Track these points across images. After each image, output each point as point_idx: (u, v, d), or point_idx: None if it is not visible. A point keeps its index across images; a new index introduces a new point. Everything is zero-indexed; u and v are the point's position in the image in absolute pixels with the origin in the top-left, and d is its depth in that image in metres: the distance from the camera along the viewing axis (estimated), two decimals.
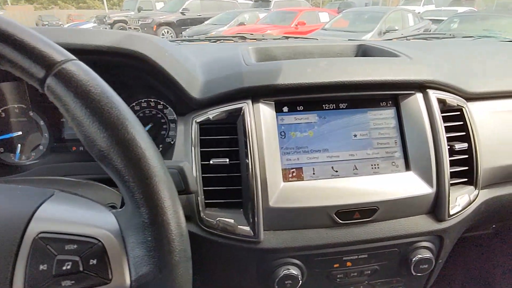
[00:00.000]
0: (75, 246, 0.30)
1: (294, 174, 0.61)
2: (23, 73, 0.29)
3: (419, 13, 8.33)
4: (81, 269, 0.29)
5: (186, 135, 0.62)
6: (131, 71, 0.67)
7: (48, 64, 0.29)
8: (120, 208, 0.41)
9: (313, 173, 0.61)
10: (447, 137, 0.63)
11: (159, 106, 0.81)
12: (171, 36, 9.45)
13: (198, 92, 0.61)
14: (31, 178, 0.47)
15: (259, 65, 0.64)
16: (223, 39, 1.22)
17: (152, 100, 0.81)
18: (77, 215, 0.33)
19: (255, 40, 1.20)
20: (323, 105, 0.63)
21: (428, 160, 0.62)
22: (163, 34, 9.75)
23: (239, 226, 0.58)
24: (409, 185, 0.62)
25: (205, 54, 0.80)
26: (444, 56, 0.86)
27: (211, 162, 0.59)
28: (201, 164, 0.60)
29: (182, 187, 0.43)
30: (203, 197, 0.60)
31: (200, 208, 0.59)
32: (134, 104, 0.80)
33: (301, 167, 0.61)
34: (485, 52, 0.98)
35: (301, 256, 0.61)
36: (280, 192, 0.59)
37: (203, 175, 0.60)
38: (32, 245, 0.29)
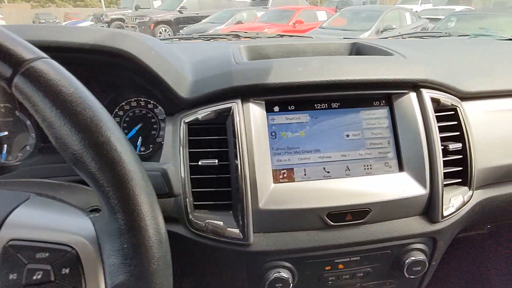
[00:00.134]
0: (47, 254, 0.28)
1: (285, 175, 0.60)
2: None
3: (416, 11, 8.33)
4: (52, 278, 0.28)
5: (175, 136, 0.61)
6: (119, 70, 0.66)
7: (16, 62, 0.27)
8: None
9: (305, 174, 0.60)
10: (441, 137, 0.62)
11: (149, 106, 0.80)
12: (169, 34, 9.41)
13: (186, 92, 0.60)
14: (10, 181, 0.45)
15: (249, 63, 0.63)
16: (217, 38, 1.20)
17: (142, 99, 0.79)
18: (51, 220, 0.31)
19: (249, 39, 1.18)
20: (315, 105, 0.62)
21: (422, 161, 0.61)
22: (160, 33, 9.71)
23: (228, 229, 0.57)
24: (402, 186, 0.60)
25: (197, 52, 0.79)
26: (439, 55, 0.85)
27: (199, 163, 0.58)
28: (190, 165, 0.59)
29: (166, 190, 0.42)
30: (191, 199, 0.58)
31: (189, 210, 0.58)
32: (123, 103, 0.79)
33: (292, 168, 0.60)
34: (480, 51, 0.97)
35: (292, 259, 0.59)
36: (270, 193, 0.57)
37: (191, 176, 0.58)
38: (2, 253, 0.28)
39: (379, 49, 0.75)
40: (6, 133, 0.69)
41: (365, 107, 0.63)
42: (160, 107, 0.71)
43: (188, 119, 0.60)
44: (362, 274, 0.64)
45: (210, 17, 9.01)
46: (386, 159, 0.62)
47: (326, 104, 0.62)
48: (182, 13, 10.35)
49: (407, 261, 0.62)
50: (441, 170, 0.60)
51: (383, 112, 0.64)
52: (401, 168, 0.62)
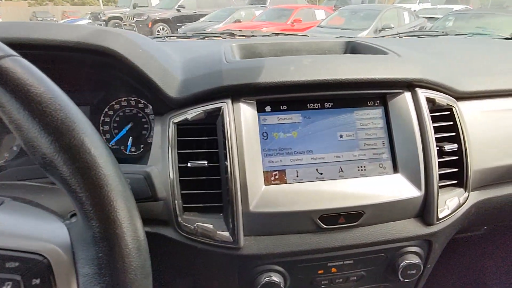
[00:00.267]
0: (17, 263, 0.27)
1: (276, 177, 0.58)
2: None
3: (414, 11, 8.33)
4: None
5: (163, 136, 0.59)
6: (107, 69, 0.64)
7: None
8: None
9: (297, 176, 0.59)
10: (436, 138, 0.60)
11: (140, 105, 0.78)
12: (167, 32, 9.37)
13: (175, 91, 0.58)
14: None
15: (240, 62, 0.61)
16: (212, 36, 1.18)
17: (133, 98, 0.78)
18: (23, 227, 0.29)
19: (244, 37, 1.16)
20: (308, 105, 0.61)
21: (417, 162, 0.59)
22: (158, 31, 9.67)
23: (218, 232, 0.55)
24: (396, 188, 0.59)
25: (188, 51, 0.77)
26: (435, 54, 0.84)
27: (188, 164, 0.56)
28: (179, 166, 0.57)
29: (149, 194, 0.40)
30: (180, 201, 0.57)
31: (178, 213, 0.57)
32: (113, 102, 0.77)
33: (284, 170, 0.59)
34: (477, 50, 0.96)
35: (284, 263, 0.58)
36: (261, 196, 0.56)
37: (180, 178, 0.57)
38: None
39: (373, 48, 0.73)
40: None
41: (359, 107, 0.62)
42: (151, 107, 0.70)
43: (177, 119, 0.58)
44: (355, 277, 0.63)
45: (208, 15, 8.98)
46: (380, 160, 0.61)
47: (319, 104, 0.61)
48: (180, 11, 10.31)
49: (401, 264, 0.61)
50: (436, 171, 0.59)
51: (377, 112, 0.62)
52: (395, 170, 0.61)
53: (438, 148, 0.61)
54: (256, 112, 0.59)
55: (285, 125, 0.60)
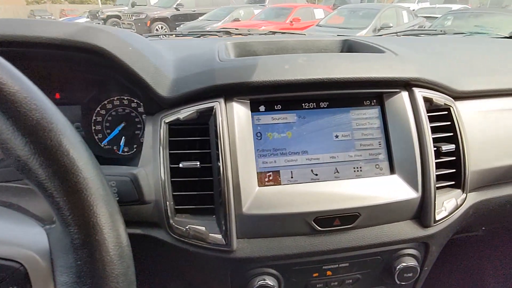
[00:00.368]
0: None
1: (270, 178, 0.57)
2: None
3: (413, 10, 8.32)
4: None
5: (155, 136, 0.58)
6: (98, 67, 0.62)
7: None
8: None
9: (291, 177, 0.58)
10: (433, 138, 0.59)
11: (133, 104, 0.77)
12: (165, 31, 9.33)
13: (166, 90, 0.57)
14: None
15: (233, 61, 0.60)
16: (207, 34, 1.17)
17: (126, 98, 0.76)
18: (0, 232, 0.28)
19: (240, 36, 1.15)
20: (303, 104, 0.59)
21: (414, 163, 0.58)
22: (157, 30, 9.63)
23: (210, 234, 0.54)
24: (393, 189, 0.58)
25: (182, 50, 0.75)
26: (432, 52, 0.83)
27: (180, 165, 0.55)
28: (170, 167, 0.56)
29: (136, 197, 0.39)
30: (172, 202, 0.56)
31: (169, 215, 0.55)
32: (105, 102, 0.76)
33: (278, 171, 0.57)
34: (475, 49, 0.95)
35: (278, 266, 0.57)
36: (255, 197, 0.55)
37: (172, 179, 0.56)
38: None
39: (370, 47, 0.72)
40: None
41: (355, 106, 0.60)
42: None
43: (168, 119, 0.57)
44: (351, 280, 0.62)
45: (207, 14, 8.96)
46: (376, 161, 0.60)
47: (314, 104, 0.59)
48: (178, 10, 10.29)
49: (398, 267, 0.60)
50: (433, 172, 0.58)
51: (373, 112, 0.61)
52: (392, 171, 0.59)
53: (435, 148, 0.59)
54: (250, 112, 0.57)
55: (280, 125, 0.58)
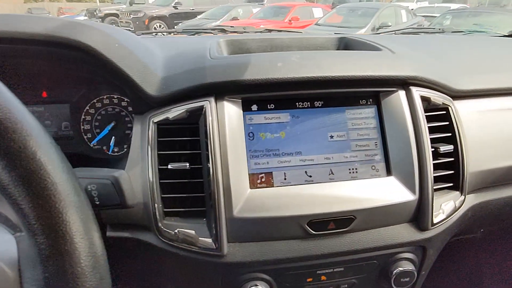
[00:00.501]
0: None
1: (263, 179, 0.55)
2: None
3: (412, 9, 8.31)
4: None
5: (143, 136, 0.56)
6: (85, 64, 0.60)
7: None
8: None
9: (285, 179, 0.56)
10: (431, 139, 0.58)
11: (123, 103, 0.75)
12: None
13: (155, 89, 0.55)
14: None
15: (224, 58, 0.58)
16: (202, 32, 1.15)
17: (116, 96, 0.74)
18: None
19: (235, 33, 1.13)
20: (297, 103, 0.57)
21: (411, 164, 0.57)
22: (155, 28, 9.59)
23: (200, 238, 0.52)
24: (389, 191, 0.56)
25: (174, 47, 0.73)
26: (430, 51, 0.81)
27: (169, 166, 0.53)
28: (159, 168, 0.54)
29: (118, 201, 0.37)
30: (161, 205, 0.54)
31: (158, 218, 0.53)
32: (95, 100, 0.74)
33: (271, 172, 0.55)
34: (474, 48, 0.93)
35: (270, 271, 0.55)
36: (246, 200, 0.53)
37: (161, 181, 0.54)
38: None
39: (367, 44, 0.70)
40: None
41: (351, 106, 0.59)
42: None
43: (157, 119, 0.55)
44: (346, 285, 0.60)
45: (205, 13, 8.93)
46: (373, 162, 0.58)
47: (308, 103, 0.58)
48: (177, 8, 10.24)
49: (394, 271, 0.58)
50: (431, 174, 0.56)
51: (370, 111, 0.59)
52: (388, 172, 0.58)
53: (433, 149, 0.58)
54: (242, 111, 0.55)
55: (273, 125, 0.57)
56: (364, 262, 0.58)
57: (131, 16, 9.91)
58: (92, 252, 0.26)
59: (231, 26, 1.17)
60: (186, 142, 0.55)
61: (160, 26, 9.78)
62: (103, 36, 0.51)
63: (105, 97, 0.73)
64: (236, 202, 0.52)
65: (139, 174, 0.55)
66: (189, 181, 0.54)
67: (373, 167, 0.58)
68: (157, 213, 0.53)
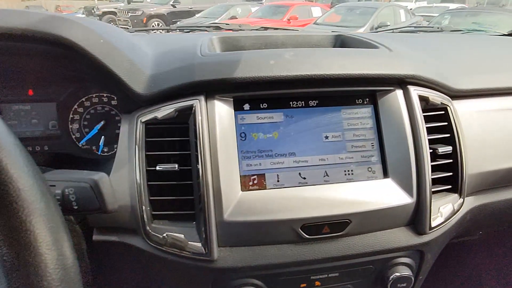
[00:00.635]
0: None
1: (255, 181, 0.53)
2: None
3: (411, 9, 8.30)
4: None
5: (130, 136, 0.54)
6: (71, 61, 0.58)
7: None
8: None
9: (278, 181, 0.54)
10: (429, 140, 0.56)
11: (113, 102, 0.73)
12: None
13: (143, 87, 0.52)
14: None
15: (214, 55, 0.56)
16: (197, 29, 1.12)
17: (105, 95, 0.72)
18: None
19: (231, 31, 1.11)
20: (290, 103, 0.55)
21: (408, 166, 0.55)
22: (152, 27, 9.54)
23: (189, 242, 0.50)
24: (386, 194, 0.54)
25: (165, 44, 0.71)
26: (429, 49, 0.79)
27: (157, 168, 0.51)
28: (147, 169, 0.52)
29: (97, 205, 0.35)
30: (149, 208, 0.52)
31: (146, 221, 0.51)
32: (83, 99, 0.71)
33: (264, 174, 0.53)
34: (473, 47, 0.91)
35: (262, 276, 0.53)
36: (238, 203, 0.51)
37: (149, 182, 0.52)
38: None
39: (364, 42, 0.68)
40: None
41: (347, 105, 0.57)
42: None
43: (145, 118, 0.53)
44: None
45: (203, 11, 8.89)
46: (369, 164, 0.56)
47: (302, 102, 0.56)
48: (175, 7, 10.20)
49: (391, 277, 0.56)
50: (429, 176, 0.54)
51: (366, 111, 0.57)
52: (385, 174, 0.56)
53: (431, 150, 0.56)
54: (233, 111, 0.53)
55: (265, 125, 0.55)
56: (360, 267, 0.56)
57: (129, 14, 9.86)
58: (61, 264, 0.24)
59: (226, 24, 1.14)
60: (175, 143, 0.53)
61: (158, 24, 9.73)
62: (86, 31, 0.48)
63: (94, 95, 0.71)
64: (226, 205, 0.50)
65: (127, 175, 0.53)
66: (178, 183, 0.52)
67: (370, 169, 0.56)
68: (144, 216, 0.51)
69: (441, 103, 0.59)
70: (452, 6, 8.76)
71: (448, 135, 0.59)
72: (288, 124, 0.55)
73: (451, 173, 0.59)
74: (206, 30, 1.12)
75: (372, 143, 0.57)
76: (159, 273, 0.58)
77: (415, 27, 1.25)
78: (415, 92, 0.56)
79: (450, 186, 0.59)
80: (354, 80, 0.55)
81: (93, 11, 12.78)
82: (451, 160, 0.59)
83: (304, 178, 0.54)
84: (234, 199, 0.51)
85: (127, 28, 1.10)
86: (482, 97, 0.66)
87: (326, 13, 7.01)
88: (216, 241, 0.50)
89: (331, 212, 0.52)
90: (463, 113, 0.62)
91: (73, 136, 0.72)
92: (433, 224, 0.56)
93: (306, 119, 0.55)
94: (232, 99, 0.53)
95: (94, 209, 0.37)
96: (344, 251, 0.53)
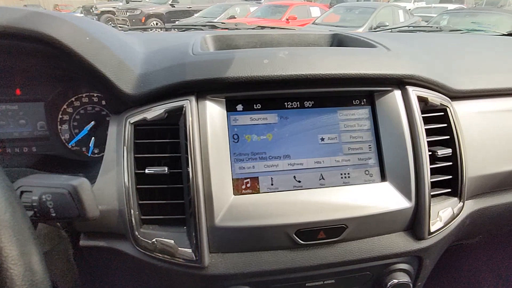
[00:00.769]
0: None
1: (248, 185, 0.51)
2: None
3: (409, 9, 8.30)
4: None
5: (119, 138, 0.52)
6: (57, 60, 0.56)
7: None
8: None
9: (271, 184, 0.52)
10: (428, 142, 0.54)
11: (104, 102, 0.71)
12: None
13: (131, 87, 0.50)
14: None
15: (206, 54, 0.54)
16: (192, 28, 1.11)
17: (95, 94, 0.70)
18: None
19: (227, 30, 1.09)
20: (285, 103, 0.54)
21: (407, 169, 0.53)
22: (151, 26, 9.49)
23: (180, 248, 0.48)
24: (384, 198, 0.53)
25: (157, 43, 0.69)
26: (428, 49, 0.77)
27: (146, 171, 0.49)
28: (136, 172, 0.50)
29: (76, 212, 0.33)
30: (137, 212, 0.50)
31: (134, 226, 0.49)
32: (73, 99, 0.69)
33: (257, 177, 0.52)
34: (473, 46, 0.90)
35: (255, 283, 0.51)
36: (230, 207, 0.49)
37: (138, 186, 0.50)
38: None
39: (361, 41, 0.66)
40: None
41: (343, 106, 0.55)
42: None
43: (134, 119, 0.51)
44: None
45: (202, 11, 8.87)
46: (366, 167, 0.54)
47: (297, 103, 0.54)
48: (174, 6, 10.17)
49: (389, 283, 0.55)
50: (428, 179, 0.53)
51: (363, 112, 0.55)
52: (383, 177, 0.54)
53: (430, 153, 0.54)
54: (225, 111, 0.52)
55: (259, 126, 0.53)
56: (357, 273, 0.54)
57: (128, 13, 9.82)
58: (28, 280, 0.22)
59: (222, 23, 1.12)
60: (165, 145, 0.51)
61: (156, 23, 9.70)
62: (72, 29, 0.46)
63: (84, 95, 0.69)
64: (218, 209, 0.48)
65: (114, 178, 0.51)
66: (168, 186, 0.50)
67: (367, 172, 0.54)
68: (133, 221, 0.49)
69: (441, 104, 0.57)
70: (450, 6, 8.76)
71: (448, 137, 0.57)
72: (282, 125, 0.53)
73: (450, 176, 0.57)
74: (201, 29, 1.10)
75: (369, 145, 0.55)
76: (148, 279, 0.56)
77: (414, 26, 1.24)
78: (413, 92, 0.55)
79: (449, 190, 0.58)
80: (351, 80, 0.53)
81: (91, 10, 12.73)
82: (450, 163, 0.57)
83: (299, 182, 0.52)
84: (226, 203, 0.49)
85: (126, 27, 1.08)
86: (482, 98, 0.64)
87: (325, 13, 7.00)
88: (207, 247, 0.49)
89: (326, 217, 0.50)
90: (463, 114, 0.60)
91: (63, 137, 0.70)
92: (432, 229, 0.54)
93: (301, 120, 0.54)
94: (224, 99, 0.52)
95: (73, 217, 0.35)
96: (341, 257, 0.52)
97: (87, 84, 0.67)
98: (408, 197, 0.53)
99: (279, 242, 0.50)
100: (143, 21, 9.54)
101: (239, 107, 0.53)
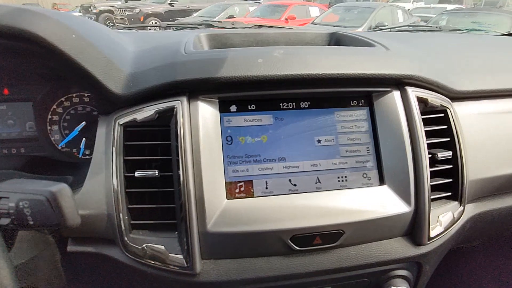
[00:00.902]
0: None
1: (241, 189, 0.49)
2: None
3: (408, 10, 8.30)
4: None
5: (108, 140, 0.50)
6: (42, 58, 0.54)
7: None
8: None
9: (266, 188, 0.50)
10: (428, 144, 0.53)
11: (95, 102, 0.69)
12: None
13: (120, 86, 0.49)
14: None
15: (198, 53, 0.52)
16: (188, 27, 1.09)
17: (86, 94, 0.68)
18: None
19: (223, 29, 1.07)
20: (280, 104, 0.52)
21: (406, 172, 0.51)
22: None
23: (170, 254, 0.47)
24: (382, 202, 0.51)
25: (149, 41, 0.67)
26: (428, 49, 0.76)
27: (136, 174, 0.47)
28: (125, 176, 0.48)
29: (55, 220, 0.31)
30: (127, 217, 0.48)
31: (124, 231, 0.48)
32: (63, 99, 0.67)
33: (251, 180, 0.50)
34: (473, 46, 0.88)
35: None
36: (222, 212, 0.47)
37: (127, 190, 0.48)
38: None
39: (359, 40, 0.65)
40: None
41: (340, 107, 0.53)
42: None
43: (123, 120, 0.49)
44: None
45: (201, 11, 8.86)
46: (364, 170, 0.53)
47: (293, 104, 0.52)
48: (173, 6, 10.15)
49: None
50: (428, 182, 0.51)
51: (361, 113, 0.54)
52: (381, 181, 0.52)
53: (430, 155, 0.53)
54: (218, 112, 0.50)
55: (254, 128, 0.51)
56: (354, 280, 0.53)
57: (126, 13, 9.79)
58: None
59: (218, 21, 1.11)
60: (156, 147, 0.49)
61: (155, 23, 9.67)
62: (56, 25, 0.44)
63: (74, 95, 0.67)
64: (210, 214, 0.46)
65: (103, 181, 0.49)
66: (159, 190, 0.48)
67: (365, 175, 0.53)
68: (122, 226, 0.48)
69: (441, 105, 0.55)
70: (449, 7, 8.77)
71: (448, 139, 0.56)
72: (277, 127, 0.51)
73: (451, 180, 0.56)
74: (197, 28, 1.08)
75: (367, 148, 0.53)
76: (138, 286, 0.54)
77: (413, 26, 1.22)
78: (413, 93, 0.53)
79: (450, 193, 0.56)
80: (349, 80, 0.51)
81: (90, 9, 12.68)
82: (451, 166, 0.56)
83: (295, 185, 0.51)
84: (219, 208, 0.47)
85: (122, 26, 1.06)
86: (483, 99, 0.63)
87: (324, 13, 7.00)
88: (199, 253, 0.47)
89: (323, 222, 0.48)
90: (464, 115, 0.59)
91: (52, 138, 0.68)
92: (432, 234, 0.52)
93: (297, 121, 0.52)
94: (217, 100, 0.50)
95: (52, 224, 0.33)
96: (337, 263, 0.50)
97: (78, 83, 0.65)
98: (407, 201, 0.51)
99: (274, 248, 0.48)
100: (141, 20, 9.51)
101: (233, 108, 0.51)
